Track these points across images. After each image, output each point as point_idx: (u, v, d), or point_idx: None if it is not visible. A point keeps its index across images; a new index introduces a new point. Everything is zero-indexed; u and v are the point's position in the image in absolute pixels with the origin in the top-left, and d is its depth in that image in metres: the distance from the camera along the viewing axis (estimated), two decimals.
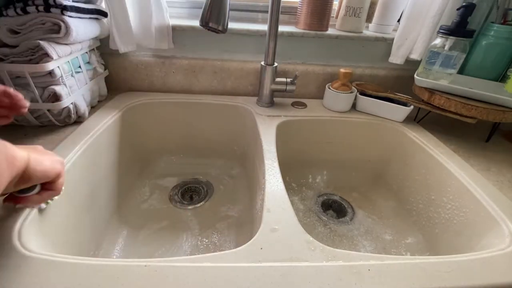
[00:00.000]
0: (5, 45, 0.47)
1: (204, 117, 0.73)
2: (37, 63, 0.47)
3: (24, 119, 0.52)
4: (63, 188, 0.34)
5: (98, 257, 0.50)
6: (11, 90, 0.33)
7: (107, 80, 0.69)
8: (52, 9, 0.46)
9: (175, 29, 0.68)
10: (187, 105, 0.72)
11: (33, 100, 0.49)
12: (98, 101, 0.66)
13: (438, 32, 0.61)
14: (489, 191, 0.46)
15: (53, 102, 0.50)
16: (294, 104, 0.73)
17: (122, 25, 0.62)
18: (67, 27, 0.48)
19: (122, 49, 0.65)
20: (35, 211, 0.36)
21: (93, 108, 0.63)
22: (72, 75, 0.54)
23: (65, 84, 0.51)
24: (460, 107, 0.57)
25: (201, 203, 0.67)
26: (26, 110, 0.35)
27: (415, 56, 0.70)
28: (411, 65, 0.72)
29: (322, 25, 0.71)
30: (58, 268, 0.29)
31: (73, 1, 0.50)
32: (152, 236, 0.57)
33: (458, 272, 0.32)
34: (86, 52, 0.59)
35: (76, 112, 0.55)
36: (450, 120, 0.62)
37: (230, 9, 0.52)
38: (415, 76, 0.65)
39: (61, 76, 0.50)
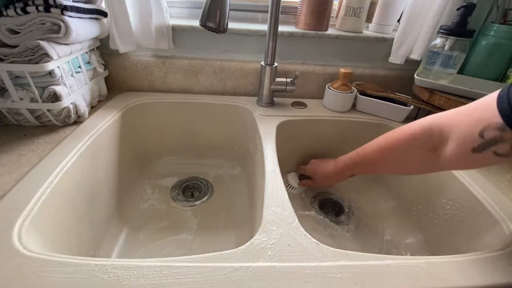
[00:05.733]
0: (5, 45, 0.47)
1: (204, 117, 0.73)
2: (37, 63, 0.47)
3: (24, 119, 0.52)
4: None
5: (98, 257, 0.50)
6: None
7: (107, 80, 0.69)
8: (52, 9, 0.46)
9: (175, 29, 0.68)
10: (187, 105, 0.72)
11: (33, 100, 0.49)
12: (98, 101, 0.66)
13: (438, 32, 0.61)
14: (489, 191, 0.46)
15: (53, 102, 0.50)
16: (294, 104, 0.73)
17: (122, 25, 0.62)
18: (67, 27, 0.48)
19: (122, 49, 0.65)
20: (34, 211, 0.36)
21: (93, 108, 0.63)
22: (72, 75, 0.54)
23: (65, 84, 0.51)
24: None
25: (203, 200, 0.67)
26: None
27: (415, 56, 0.70)
28: (411, 65, 0.72)
29: (322, 25, 0.71)
30: (58, 268, 0.29)
31: (73, 1, 0.50)
32: (152, 236, 0.57)
33: (458, 272, 0.32)
34: (86, 52, 0.59)
35: (76, 112, 0.55)
36: None
37: (230, 9, 0.52)
38: (415, 76, 0.65)
39: (61, 76, 0.50)
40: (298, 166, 0.69)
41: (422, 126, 0.36)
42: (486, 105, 0.28)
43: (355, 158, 0.50)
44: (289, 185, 0.68)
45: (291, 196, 0.42)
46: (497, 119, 0.26)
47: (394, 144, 0.41)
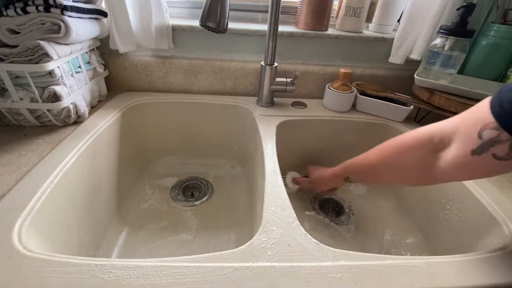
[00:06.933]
0: (5, 45, 0.47)
1: (204, 117, 0.73)
2: (37, 63, 0.47)
3: (24, 119, 0.52)
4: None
5: (98, 257, 0.50)
6: None
7: (107, 80, 0.69)
8: (52, 9, 0.46)
9: (175, 29, 0.68)
10: (187, 105, 0.72)
11: (33, 100, 0.49)
12: (98, 101, 0.66)
13: (438, 32, 0.61)
14: (489, 191, 0.46)
15: (53, 102, 0.50)
16: (294, 104, 0.73)
17: (122, 25, 0.62)
18: (67, 27, 0.48)
19: (122, 49, 0.65)
20: (34, 211, 0.36)
21: (93, 108, 0.63)
22: (72, 75, 0.54)
23: (65, 84, 0.51)
24: (460, 107, 0.57)
25: (203, 200, 0.67)
26: None
27: (415, 56, 0.70)
28: (411, 65, 0.72)
29: (322, 25, 0.71)
30: (58, 268, 0.29)
31: (73, 1, 0.50)
32: (152, 236, 0.57)
33: (458, 272, 0.32)
34: (86, 52, 0.59)
35: (76, 112, 0.55)
36: None
37: (230, 9, 0.52)
38: (415, 76, 0.65)
39: (61, 76, 0.50)
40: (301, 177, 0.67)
41: (424, 131, 0.38)
42: (483, 108, 0.29)
43: (354, 161, 0.51)
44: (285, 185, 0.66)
45: (291, 196, 0.42)
46: (493, 119, 0.27)
47: (395, 148, 0.41)
